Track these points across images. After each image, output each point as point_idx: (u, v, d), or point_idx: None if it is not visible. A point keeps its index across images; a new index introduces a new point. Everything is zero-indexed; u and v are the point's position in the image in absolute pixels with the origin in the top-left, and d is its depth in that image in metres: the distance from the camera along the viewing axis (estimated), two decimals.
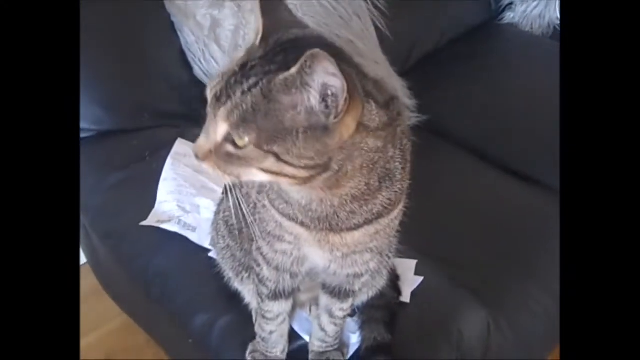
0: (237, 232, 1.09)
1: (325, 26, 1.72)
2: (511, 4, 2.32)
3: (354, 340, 1.15)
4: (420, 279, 1.25)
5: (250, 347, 1.13)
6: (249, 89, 0.72)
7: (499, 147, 1.76)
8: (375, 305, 1.15)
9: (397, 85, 1.81)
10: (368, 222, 0.86)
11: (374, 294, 1.13)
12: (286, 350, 1.12)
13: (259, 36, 0.78)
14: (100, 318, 1.85)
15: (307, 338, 1.15)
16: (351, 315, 1.14)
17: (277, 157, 0.74)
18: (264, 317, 1.07)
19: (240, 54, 0.78)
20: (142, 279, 1.28)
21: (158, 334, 1.52)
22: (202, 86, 1.59)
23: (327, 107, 0.72)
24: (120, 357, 1.79)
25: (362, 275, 1.00)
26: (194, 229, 1.28)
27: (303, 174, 0.76)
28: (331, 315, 1.06)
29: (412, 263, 1.28)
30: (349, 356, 1.13)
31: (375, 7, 1.87)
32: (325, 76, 0.70)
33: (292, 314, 1.11)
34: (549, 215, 1.45)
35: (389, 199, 0.85)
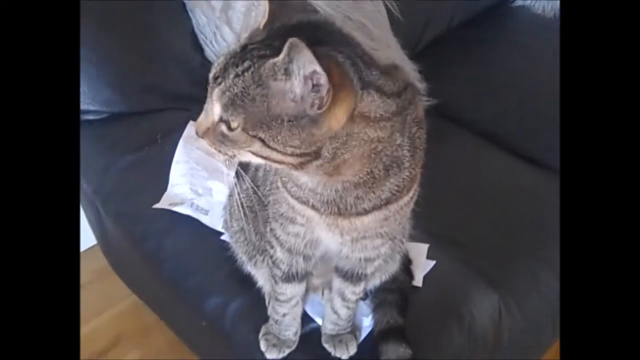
0: (252, 215, 1.09)
1: (337, 8, 1.71)
2: None
3: (367, 323, 1.15)
4: (433, 263, 1.26)
5: (263, 330, 1.13)
6: (242, 72, 0.73)
7: (509, 130, 1.75)
8: (388, 289, 1.16)
9: (408, 69, 1.80)
10: (377, 207, 0.86)
11: (386, 278, 1.13)
12: (299, 332, 1.12)
13: (264, 19, 0.78)
14: (110, 299, 1.86)
15: (319, 321, 1.15)
16: (363, 298, 1.15)
17: (263, 143, 0.75)
18: (277, 299, 1.07)
19: (244, 35, 0.79)
20: (154, 261, 1.28)
21: (169, 315, 1.53)
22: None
23: (311, 97, 0.72)
24: (130, 338, 1.80)
25: (374, 259, 1.00)
26: (206, 212, 1.28)
27: (291, 160, 0.77)
28: (344, 298, 1.06)
29: (424, 247, 1.28)
30: (361, 339, 1.13)
31: None
32: (306, 66, 0.70)
33: (305, 297, 1.12)
34: (559, 199, 1.46)
35: (397, 186, 0.85)
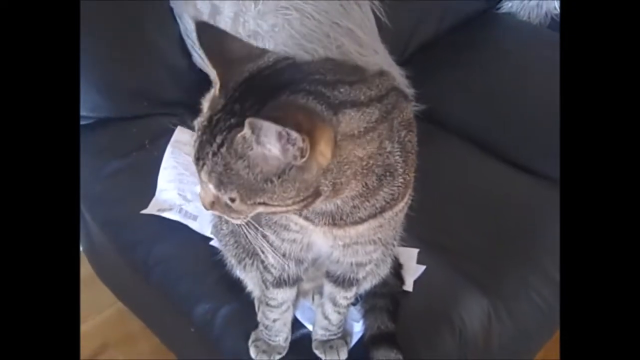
0: None
1: (325, 14, 1.71)
2: None
3: (357, 328, 1.15)
4: (423, 267, 1.25)
5: (252, 336, 1.13)
6: (218, 149, 0.74)
7: (498, 136, 1.75)
8: (378, 294, 1.15)
9: (396, 74, 1.80)
10: (372, 216, 0.86)
11: (377, 282, 1.13)
12: (289, 338, 1.12)
13: (217, 86, 0.78)
14: (95, 306, 1.83)
15: (310, 327, 1.14)
16: (354, 303, 1.14)
17: (265, 205, 0.76)
18: (267, 304, 1.06)
19: (205, 104, 0.79)
20: (142, 268, 1.26)
21: (156, 322, 1.52)
22: (201, 74, 1.61)
23: (290, 151, 0.72)
24: (116, 345, 1.78)
25: (366, 264, 1.00)
26: (195, 218, 1.27)
27: (296, 207, 0.78)
28: (335, 303, 1.06)
29: (414, 252, 1.28)
30: (352, 344, 1.13)
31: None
32: (273, 132, 0.70)
33: (295, 303, 1.11)
34: (548, 205, 1.47)
35: (392, 194, 0.85)
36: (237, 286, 1.17)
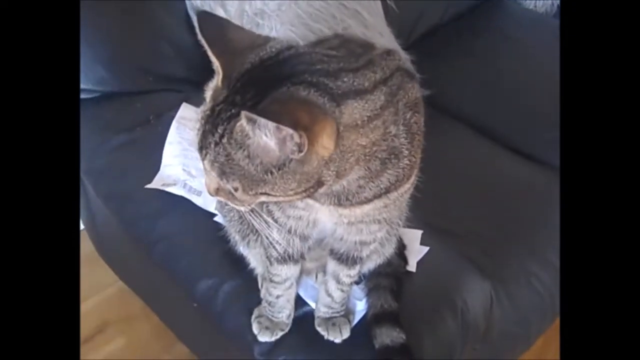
0: None
1: None
2: None
3: (360, 307, 1.15)
4: (426, 249, 1.25)
5: (255, 312, 1.13)
6: (220, 139, 0.74)
7: (501, 123, 1.76)
8: (382, 273, 1.15)
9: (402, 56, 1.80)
10: (377, 196, 0.86)
11: (381, 262, 1.13)
12: (292, 315, 1.12)
13: (220, 76, 0.78)
14: (96, 286, 1.84)
15: (312, 305, 1.14)
16: (357, 282, 1.14)
17: (267, 195, 0.77)
18: (271, 280, 1.06)
19: (208, 93, 0.79)
20: (145, 242, 1.26)
21: (157, 300, 1.52)
22: (206, 52, 1.59)
23: (288, 145, 0.72)
24: (116, 324, 1.78)
25: (370, 243, 1.00)
26: (199, 193, 1.26)
27: (298, 197, 0.78)
28: (338, 281, 1.06)
29: (418, 233, 1.28)
30: (354, 323, 1.13)
31: None
32: (268, 126, 0.70)
33: (298, 280, 1.11)
34: (549, 193, 1.46)
35: (397, 176, 0.84)
36: (240, 262, 1.17)
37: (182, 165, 1.29)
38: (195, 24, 1.54)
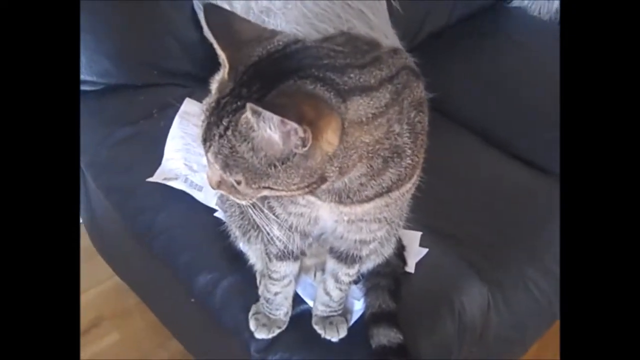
0: None
1: None
2: None
3: (358, 306, 1.15)
4: (425, 250, 1.25)
5: (253, 309, 1.12)
6: (224, 132, 0.74)
7: (503, 128, 1.76)
8: (380, 273, 1.15)
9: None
10: (378, 195, 0.85)
11: (380, 262, 1.12)
12: (289, 313, 1.12)
13: (226, 69, 0.78)
14: (91, 280, 1.83)
15: (310, 303, 1.14)
16: (356, 281, 1.14)
17: (270, 189, 0.77)
18: (270, 277, 1.06)
19: (214, 86, 0.79)
20: (145, 235, 1.26)
21: (154, 296, 1.51)
22: (212, 48, 1.59)
23: (292, 139, 0.72)
24: (111, 319, 1.78)
25: (369, 242, 1.00)
26: (200, 188, 1.26)
27: (301, 192, 0.79)
28: (337, 280, 1.06)
29: (417, 234, 1.28)
30: (352, 322, 1.13)
31: None
32: (273, 119, 0.70)
33: (297, 278, 1.11)
34: (550, 199, 1.48)
35: (398, 175, 0.84)
36: (239, 258, 1.17)
37: (184, 160, 1.29)
38: (202, 19, 1.56)
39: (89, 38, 1.37)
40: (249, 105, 0.69)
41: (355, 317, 1.14)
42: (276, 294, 1.08)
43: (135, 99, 1.42)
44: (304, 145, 0.72)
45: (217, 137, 0.75)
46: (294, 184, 0.76)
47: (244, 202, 0.83)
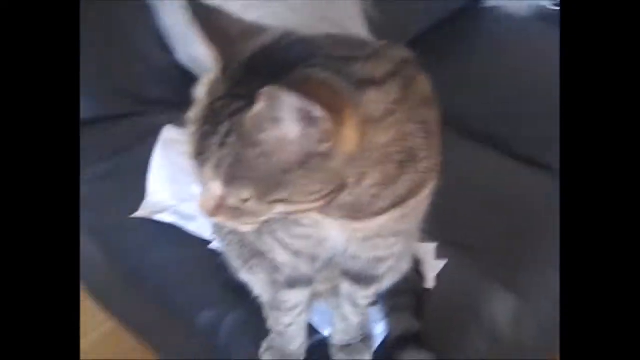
0: None
1: (311, 6, 1.64)
2: None
3: (379, 330, 1.06)
4: (443, 262, 1.17)
5: (264, 345, 1.03)
6: (225, 138, 0.63)
7: (496, 128, 1.69)
8: (400, 292, 1.06)
9: None
10: (394, 205, 0.76)
11: (398, 279, 1.03)
12: (304, 345, 1.02)
13: (218, 68, 0.68)
14: (84, 327, 1.70)
15: (326, 332, 1.05)
16: (374, 303, 1.05)
17: (285, 202, 0.67)
18: (279, 308, 0.97)
19: (202, 90, 0.69)
20: (136, 276, 1.18)
21: (153, 337, 1.41)
22: (185, 71, 1.52)
23: (312, 134, 0.63)
24: None
25: (387, 259, 0.91)
26: (192, 218, 1.18)
27: (320, 203, 0.68)
28: (354, 304, 0.97)
29: (432, 246, 1.20)
30: (374, 348, 1.04)
31: None
32: (293, 107, 0.60)
33: (309, 306, 1.01)
34: (552, 197, 1.41)
35: (414, 181, 0.75)
36: (243, 291, 1.07)
37: (170, 190, 1.22)
38: (171, 43, 1.49)
39: None
40: (265, 89, 0.59)
41: (377, 342, 1.05)
42: (288, 325, 0.98)
43: (112, 131, 1.35)
44: (326, 140, 0.62)
45: (216, 147, 0.64)
46: (314, 193, 0.66)
47: (249, 228, 0.73)
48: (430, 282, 1.13)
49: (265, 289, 1.03)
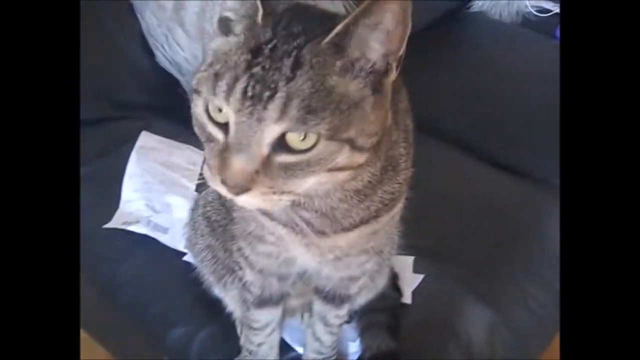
0: (220, 229, 0.96)
1: None
2: None
3: (354, 349, 1.04)
4: (421, 277, 1.16)
5: None
6: (294, 70, 0.59)
7: (480, 136, 1.68)
8: (375, 309, 1.05)
9: None
10: (364, 221, 0.74)
11: (373, 296, 1.02)
12: None
13: (259, 14, 0.63)
14: None
15: (299, 349, 1.04)
16: (348, 321, 1.04)
17: (352, 145, 0.61)
18: (250, 327, 0.95)
19: (223, 42, 0.64)
20: (108, 289, 1.15)
21: (124, 351, 1.38)
22: (165, 74, 1.48)
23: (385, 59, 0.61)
24: None
25: (358, 277, 0.90)
26: (165, 230, 1.16)
27: (365, 158, 0.64)
28: (326, 323, 0.95)
29: (409, 260, 1.18)
30: None
31: None
32: (390, 22, 0.59)
33: (281, 323, 1.00)
34: (540, 208, 1.42)
35: (392, 193, 0.74)
36: (215, 307, 1.06)
37: (144, 200, 1.19)
38: (153, 45, 1.46)
39: None
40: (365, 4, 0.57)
41: None
42: (259, 344, 0.97)
43: (87, 136, 1.29)
44: (398, 65, 0.63)
45: (283, 81, 0.58)
46: (374, 135, 0.63)
47: (287, 199, 0.64)
48: (407, 297, 1.12)
49: (238, 305, 1.01)
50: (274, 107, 0.58)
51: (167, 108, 1.41)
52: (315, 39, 0.60)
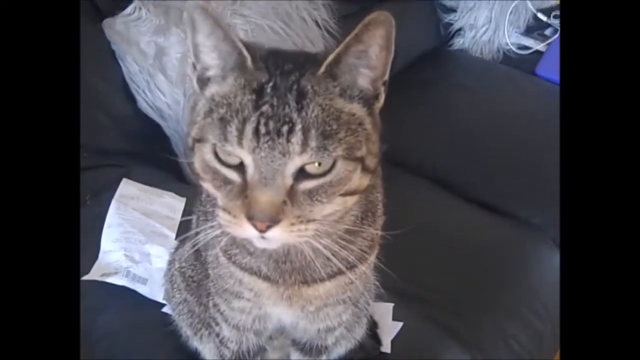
0: (195, 285, 0.96)
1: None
2: (460, 30, 2.28)
3: None
4: (400, 324, 1.16)
5: None
6: (300, 102, 0.62)
7: (461, 175, 1.69)
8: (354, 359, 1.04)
9: None
10: (341, 272, 0.76)
11: (352, 346, 1.02)
12: None
13: (248, 60, 0.65)
14: None
15: None
16: None
17: (363, 164, 0.65)
18: None
19: (218, 88, 0.67)
20: (85, 343, 1.11)
21: None
22: (147, 120, 1.48)
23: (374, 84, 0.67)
24: None
25: (335, 328, 0.90)
26: (144, 281, 1.15)
27: (368, 180, 0.68)
28: None
29: (389, 307, 1.18)
30: None
31: (329, 33, 1.79)
32: (376, 48, 0.64)
33: None
34: (521, 248, 1.44)
35: (370, 240, 0.76)
36: (194, 359, 1.04)
37: (123, 251, 1.18)
38: (134, 91, 1.46)
39: None
40: (374, 15, 0.62)
41: None
42: None
43: None
44: (385, 87, 0.68)
45: (295, 113, 0.61)
46: (376, 155, 0.67)
47: (311, 229, 0.65)
48: (387, 346, 1.11)
49: (216, 358, 1.01)
50: (296, 140, 0.61)
51: (148, 154, 1.42)
52: (308, 72, 0.63)
